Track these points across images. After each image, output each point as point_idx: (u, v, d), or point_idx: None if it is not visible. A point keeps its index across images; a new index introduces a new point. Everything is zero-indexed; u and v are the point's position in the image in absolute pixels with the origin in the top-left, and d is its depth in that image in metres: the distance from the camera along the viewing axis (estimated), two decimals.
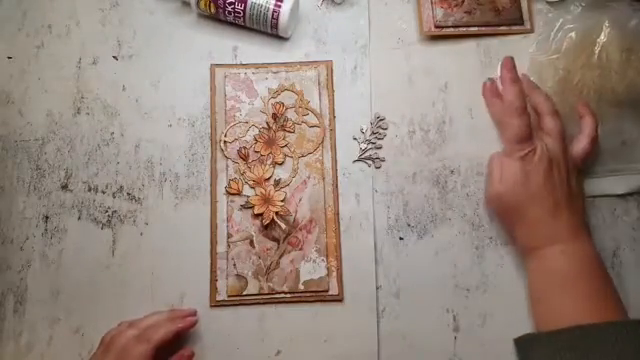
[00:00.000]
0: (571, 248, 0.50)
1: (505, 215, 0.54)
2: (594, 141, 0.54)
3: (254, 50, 0.61)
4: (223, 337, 0.53)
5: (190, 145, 0.58)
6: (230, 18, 0.60)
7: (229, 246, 0.55)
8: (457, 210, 0.56)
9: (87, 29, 0.61)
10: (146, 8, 0.62)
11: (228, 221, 0.55)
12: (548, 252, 0.50)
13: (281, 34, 0.60)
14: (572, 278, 0.49)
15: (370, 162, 0.58)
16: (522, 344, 0.51)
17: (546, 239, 0.51)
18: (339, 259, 0.55)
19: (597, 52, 0.58)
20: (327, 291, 0.54)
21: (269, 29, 0.59)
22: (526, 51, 0.60)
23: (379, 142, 0.58)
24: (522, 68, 0.59)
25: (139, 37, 0.61)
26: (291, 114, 0.59)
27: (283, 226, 0.55)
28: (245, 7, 0.58)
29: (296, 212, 0.56)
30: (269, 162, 0.57)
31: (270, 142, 0.58)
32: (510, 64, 0.56)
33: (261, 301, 0.54)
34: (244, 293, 0.54)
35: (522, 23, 0.61)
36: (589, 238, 0.52)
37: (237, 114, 0.58)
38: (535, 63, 0.59)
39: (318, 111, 0.59)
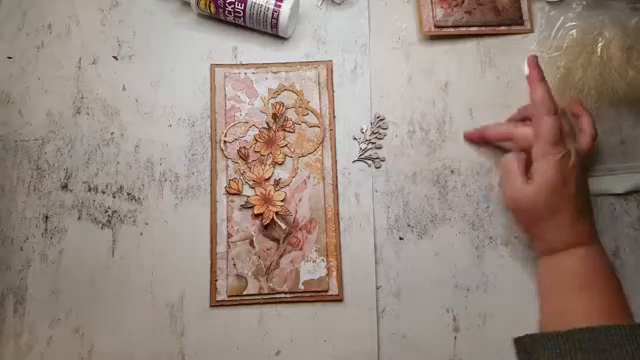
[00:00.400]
0: (591, 251, 0.50)
1: (529, 217, 0.52)
2: (595, 140, 0.54)
3: (254, 50, 0.61)
4: (223, 337, 0.53)
5: (190, 145, 0.58)
6: (230, 18, 0.60)
7: (229, 246, 0.55)
8: (457, 210, 0.56)
9: (87, 29, 0.61)
10: (146, 8, 0.62)
11: (228, 221, 0.55)
12: (570, 254, 0.50)
13: (281, 34, 0.60)
14: (590, 280, 0.49)
15: (370, 162, 0.58)
16: (528, 344, 0.50)
17: (569, 242, 0.50)
18: (339, 259, 0.55)
19: (598, 50, 0.58)
20: (327, 291, 0.54)
21: (269, 29, 0.59)
22: (526, 51, 0.60)
23: (379, 142, 0.58)
24: (523, 66, 0.59)
25: (139, 37, 0.61)
26: (291, 114, 0.59)
27: (283, 226, 0.55)
28: (245, 7, 0.58)
29: (296, 212, 0.56)
30: (269, 162, 0.57)
31: (270, 142, 0.58)
32: (535, 62, 0.53)
33: (261, 301, 0.54)
34: (244, 293, 0.54)
35: (522, 23, 0.61)
36: (599, 240, 0.52)
37: (237, 114, 0.58)
38: None
39: (318, 111, 0.59)
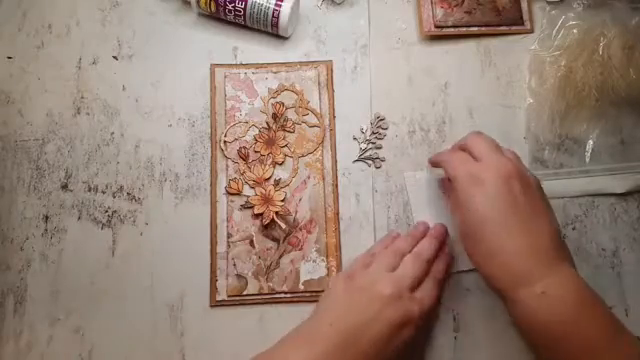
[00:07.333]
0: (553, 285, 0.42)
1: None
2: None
3: (254, 50, 0.61)
4: (223, 337, 0.53)
5: (190, 145, 0.58)
6: (230, 17, 0.60)
7: (229, 246, 0.55)
8: None
9: (87, 29, 0.61)
10: (146, 8, 0.62)
11: (228, 221, 0.55)
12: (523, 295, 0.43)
13: (281, 34, 0.60)
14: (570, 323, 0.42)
15: (370, 162, 0.58)
16: None
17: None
18: (339, 259, 0.55)
19: (600, 50, 0.58)
20: None
21: (269, 28, 0.59)
22: (526, 51, 0.60)
23: (379, 142, 0.58)
24: (523, 66, 0.60)
25: (139, 37, 0.61)
26: (291, 114, 0.59)
27: (283, 226, 0.55)
28: (245, 6, 0.58)
29: (296, 212, 0.56)
30: (269, 162, 0.57)
31: (270, 142, 0.58)
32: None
33: (261, 301, 0.54)
34: (244, 293, 0.54)
35: (522, 23, 0.61)
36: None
37: (237, 114, 0.58)
38: (537, 60, 0.59)
39: (318, 111, 0.59)
